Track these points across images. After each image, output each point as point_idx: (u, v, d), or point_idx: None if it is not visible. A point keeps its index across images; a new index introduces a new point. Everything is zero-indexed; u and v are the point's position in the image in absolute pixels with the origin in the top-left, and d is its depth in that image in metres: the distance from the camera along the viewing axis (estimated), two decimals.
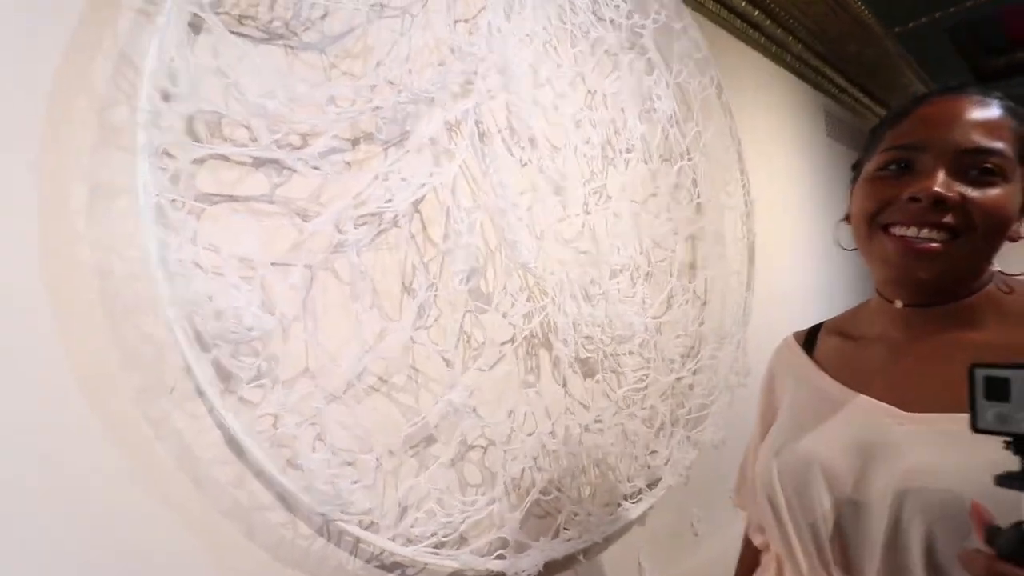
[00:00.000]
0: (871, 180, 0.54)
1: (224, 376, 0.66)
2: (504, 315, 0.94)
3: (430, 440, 0.85)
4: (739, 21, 1.87)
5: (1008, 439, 0.34)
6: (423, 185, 0.83)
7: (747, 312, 1.44)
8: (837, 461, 0.51)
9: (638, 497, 1.10)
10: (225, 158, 0.70)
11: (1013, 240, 0.51)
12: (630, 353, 1.12)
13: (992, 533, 0.34)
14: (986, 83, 2.92)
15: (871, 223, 0.53)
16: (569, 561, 0.97)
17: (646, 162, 1.20)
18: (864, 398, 0.54)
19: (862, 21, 2.11)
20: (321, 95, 0.73)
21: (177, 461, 0.63)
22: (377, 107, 0.81)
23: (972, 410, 0.36)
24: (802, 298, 1.98)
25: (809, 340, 0.66)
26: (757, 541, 0.68)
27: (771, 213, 1.78)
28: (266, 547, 0.69)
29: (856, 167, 0.60)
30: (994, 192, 0.48)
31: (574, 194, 1.07)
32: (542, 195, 1.01)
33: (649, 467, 1.12)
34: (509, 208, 0.89)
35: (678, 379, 1.20)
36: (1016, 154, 0.49)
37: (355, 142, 0.82)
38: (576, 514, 0.96)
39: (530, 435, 0.92)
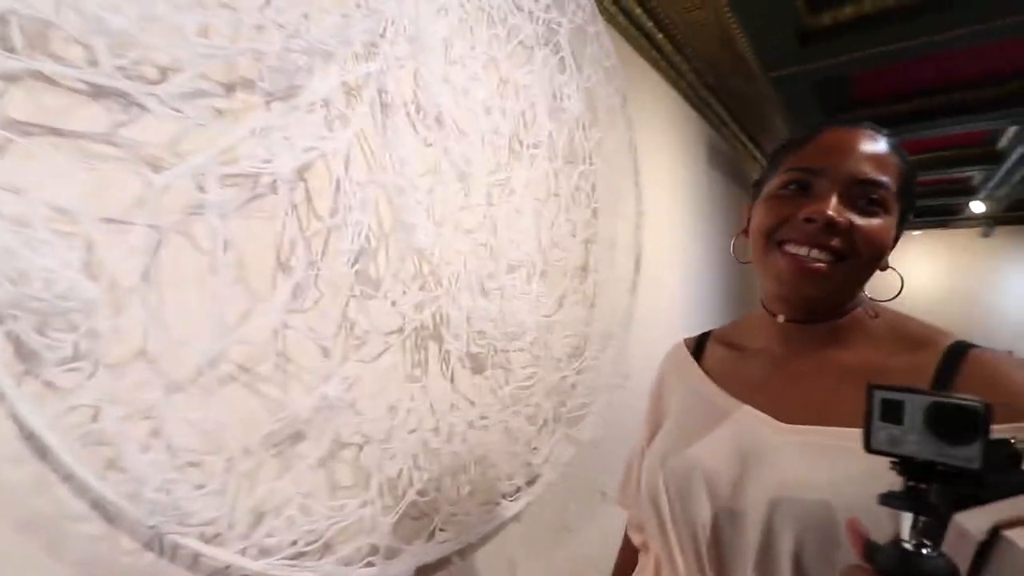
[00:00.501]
0: (772, 198, 0.57)
1: (24, 355, 0.52)
2: (394, 303, 0.87)
3: (297, 437, 0.76)
4: (644, 40, 1.96)
5: (896, 460, 0.35)
6: (311, 149, 0.73)
7: (630, 316, 1.51)
8: (718, 468, 0.53)
9: (516, 495, 1.10)
10: (51, 81, 0.55)
11: (882, 269, 0.56)
12: (520, 350, 1.11)
13: (871, 549, 0.35)
14: None
15: (768, 239, 0.56)
16: (442, 563, 0.93)
17: (551, 161, 1.19)
18: (746, 408, 0.56)
19: (745, 60, 2.33)
20: (189, 22, 0.60)
21: None
22: (262, 52, 0.69)
23: (867, 430, 0.36)
24: (680, 307, 2.14)
25: (698, 348, 0.68)
26: (636, 540, 0.69)
27: (658, 226, 1.90)
28: (76, 565, 0.56)
29: (757, 185, 0.63)
30: (877, 222, 0.52)
31: (478, 183, 1.03)
32: (445, 180, 0.96)
33: (530, 464, 1.11)
34: (409, 188, 0.82)
35: (563, 377, 1.21)
36: (897, 189, 0.53)
37: (230, 88, 0.70)
38: (454, 514, 0.92)
39: (412, 432, 0.87)
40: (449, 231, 0.97)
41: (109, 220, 0.57)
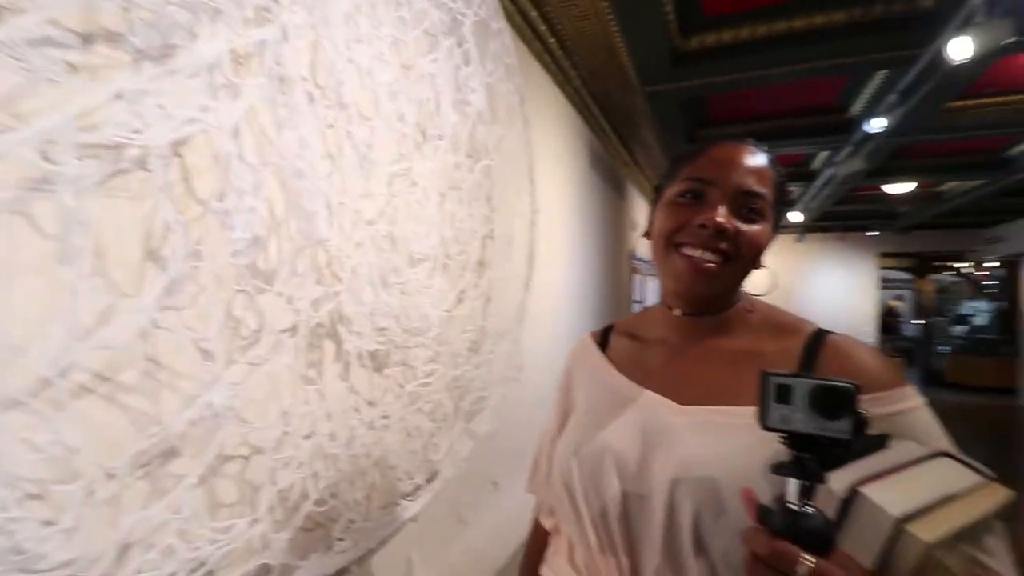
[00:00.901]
0: (671, 205, 0.62)
1: None
2: (289, 300, 0.79)
3: (170, 455, 0.66)
4: (538, 42, 2.01)
5: (785, 435, 0.40)
6: (193, 121, 0.63)
7: (524, 311, 1.56)
8: (625, 449, 0.57)
9: (416, 494, 1.07)
10: None
11: (758, 268, 0.63)
12: (421, 346, 1.08)
13: (763, 512, 0.39)
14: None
15: (668, 241, 0.61)
16: (341, 573, 0.88)
17: (454, 153, 1.17)
18: (647, 393, 0.61)
19: (626, 73, 2.50)
20: None
21: None
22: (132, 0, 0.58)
23: (762, 410, 0.40)
24: (566, 303, 2.25)
25: (603, 340, 0.72)
26: (548, 524, 0.72)
27: (549, 224, 1.97)
28: None
29: (658, 190, 0.69)
30: (757, 228, 0.59)
31: (380, 171, 0.98)
32: (345, 165, 0.89)
33: (430, 461, 1.10)
34: (309, 172, 0.75)
35: (463, 372, 1.21)
36: (773, 199, 0.60)
37: (88, 39, 0.58)
38: (353, 521, 0.87)
39: (307, 439, 0.80)
40: (349, 221, 0.90)
41: None
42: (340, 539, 0.86)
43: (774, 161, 0.62)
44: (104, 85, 0.56)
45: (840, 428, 0.37)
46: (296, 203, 0.76)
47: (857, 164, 3.62)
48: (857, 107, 3.30)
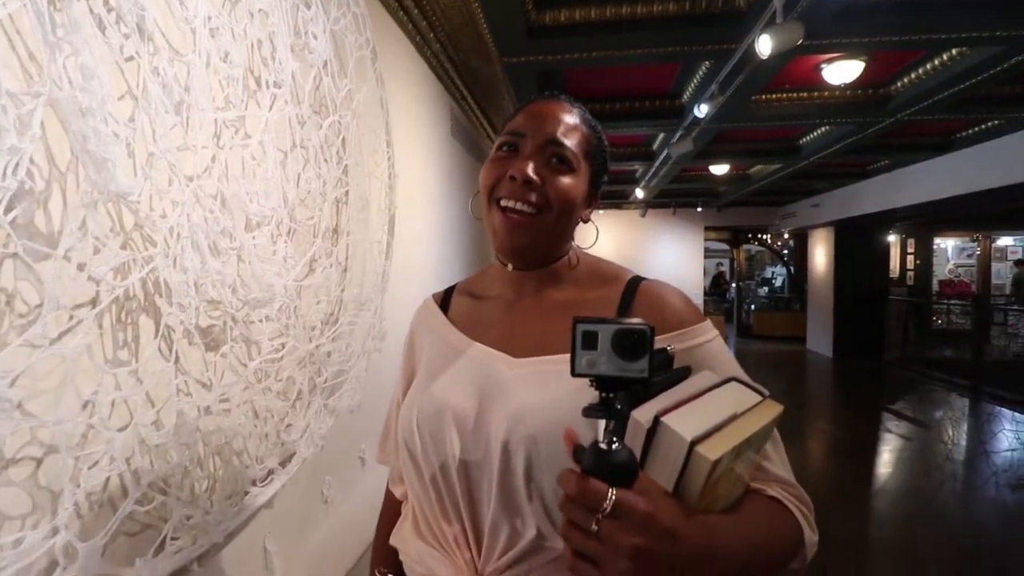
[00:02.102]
0: (491, 160, 0.63)
1: None
2: (81, 267, 0.65)
3: None
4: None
5: (592, 379, 0.41)
6: None
7: (386, 280, 1.50)
8: (463, 403, 0.57)
9: (269, 479, 0.98)
10: None
11: (584, 221, 0.66)
12: (267, 319, 0.98)
13: (577, 452, 0.41)
14: None
15: (489, 197, 0.62)
16: (179, 574, 0.77)
17: (296, 106, 1.06)
18: (483, 347, 0.62)
19: (484, 42, 2.49)
20: None
21: None
22: None
23: (572, 357, 0.41)
24: (432, 267, 2.21)
25: (445, 300, 0.72)
26: (398, 493, 0.71)
27: (409, 188, 1.91)
28: None
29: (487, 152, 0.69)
30: (566, 180, 0.60)
31: (201, 119, 0.85)
32: (153, 108, 0.75)
33: (283, 443, 1.01)
34: (98, 110, 0.62)
35: (317, 347, 1.13)
36: (583, 151, 0.62)
37: None
38: (190, 517, 0.77)
39: (121, 430, 0.68)
40: (163, 176, 0.77)
41: None
42: (175, 538, 0.75)
43: (587, 117, 0.65)
44: None
45: (639, 368, 0.39)
46: (83, 147, 0.62)
47: (687, 146, 4.08)
48: (687, 94, 3.71)
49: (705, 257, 10.03)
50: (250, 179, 0.93)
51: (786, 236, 10.68)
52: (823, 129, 4.67)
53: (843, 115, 3.95)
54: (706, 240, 9.70)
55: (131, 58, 0.72)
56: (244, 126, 0.94)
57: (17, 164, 0.55)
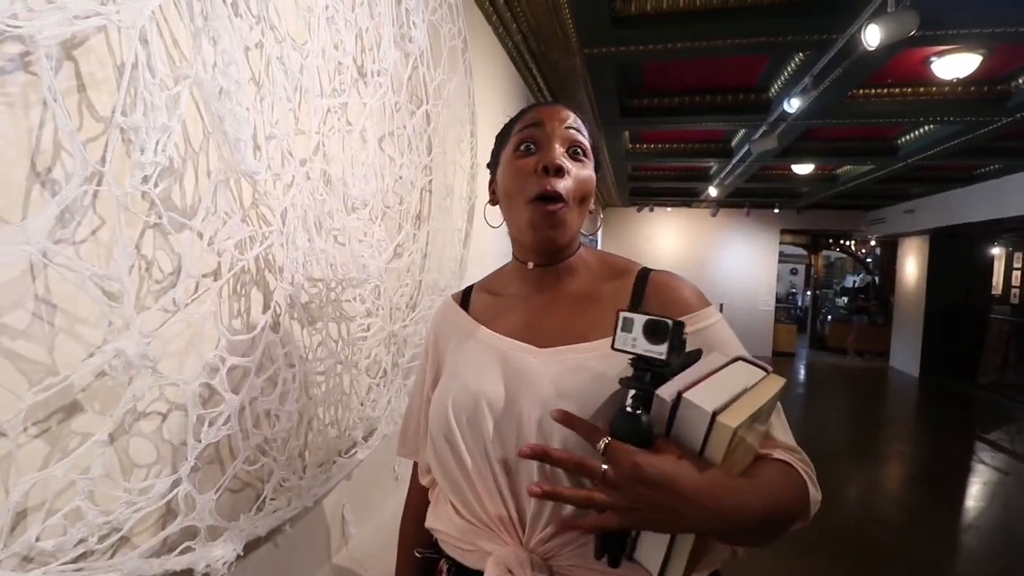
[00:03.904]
0: (511, 162, 0.67)
1: None
2: (210, 241, 0.71)
3: (72, 410, 0.57)
4: None
5: (631, 356, 0.51)
6: (91, 15, 0.53)
7: (463, 267, 1.52)
8: (495, 391, 0.62)
9: (353, 451, 1.03)
10: None
11: (591, 212, 0.69)
12: (358, 300, 1.02)
13: (611, 421, 0.50)
14: (626, 116, 3.89)
15: (516, 197, 0.65)
16: (272, 535, 0.83)
17: (395, 94, 1.09)
18: (507, 339, 0.66)
19: (566, 32, 2.46)
20: None
21: None
22: None
23: (614, 337, 0.52)
24: (505, 256, 2.23)
25: (464, 299, 0.77)
26: (425, 481, 0.75)
27: (485, 178, 1.92)
28: None
29: (492, 162, 0.74)
30: (586, 171, 0.65)
31: (313, 105, 0.89)
32: (275, 94, 0.80)
33: (368, 418, 1.05)
34: (235, 92, 0.66)
35: (403, 327, 1.17)
36: (590, 146, 0.67)
37: None
38: (286, 480, 0.82)
39: (235, 393, 0.73)
40: (278, 156, 0.81)
41: None
42: (272, 499, 0.80)
43: (585, 120, 0.69)
44: None
45: (660, 350, 0.49)
46: (219, 128, 0.67)
47: (771, 143, 3.86)
48: (775, 88, 3.50)
49: (780, 261, 9.46)
50: (352, 164, 0.96)
51: (872, 243, 9.91)
52: (926, 128, 4.27)
53: (952, 113, 3.59)
54: (781, 243, 9.16)
55: (258, 44, 0.76)
56: (347, 112, 0.98)
57: (164, 142, 0.60)
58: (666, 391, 0.49)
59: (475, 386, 0.63)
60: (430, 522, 0.68)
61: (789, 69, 3.15)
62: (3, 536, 0.47)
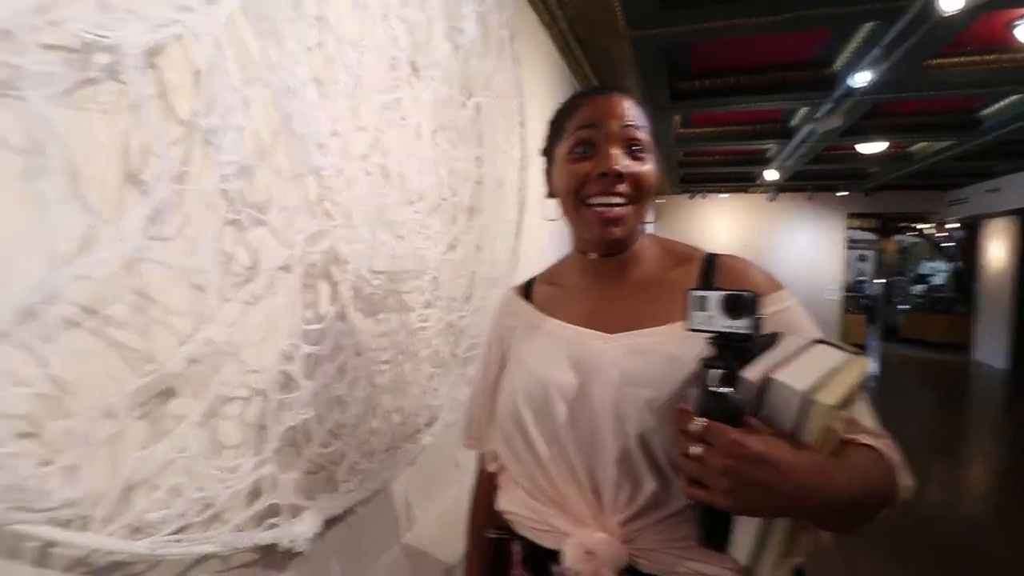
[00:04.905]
0: (567, 162, 0.66)
1: None
2: (281, 235, 0.74)
3: (168, 394, 0.62)
4: None
5: (709, 335, 0.51)
6: (171, 23, 0.56)
7: (515, 259, 1.53)
8: (564, 379, 0.63)
9: (416, 437, 1.06)
10: None
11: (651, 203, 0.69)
12: (418, 291, 1.05)
13: (696, 402, 0.50)
14: (674, 100, 3.78)
15: (575, 197, 0.65)
16: (346, 515, 0.87)
17: (448, 87, 1.11)
18: (574, 327, 0.67)
19: (614, 15, 2.41)
20: None
21: None
22: None
23: (688, 317, 0.52)
24: (553, 252, 2.22)
25: (527, 291, 0.78)
26: (493, 467, 0.76)
27: (536, 170, 1.91)
28: None
29: (547, 153, 0.74)
30: (647, 167, 0.65)
31: (370, 101, 0.91)
32: (336, 92, 0.82)
33: (430, 406, 1.08)
34: (301, 91, 0.69)
35: (460, 318, 1.19)
36: (650, 137, 0.66)
37: None
38: (357, 463, 0.86)
39: (310, 380, 0.77)
40: (340, 152, 0.84)
41: None
42: (344, 480, 0.84)
43: (640, 104, 0.68)
44: None
45: (742, 324, 0.49)
46: (288, 126, 0.70)
47: (835, 121, 3.64)
48: (840, 62, 3.29)
49: (848, 247, 8.89)
50: (409, 158, 0.99)
51: (952, 226, 9.15)
52: (1013, 99, 3.88)
53: None
54: (850, 228, 8.60)
55: (319, 44, 0.79)
56: (401, 107, 1.00)
57: (241, 141, 0.64)
58: (753, 372, 0.48)
59: (543, 374, 0.64)
60: (502, 504, 0.69)
61: (856, 40, 2.95)
62: (115, 506, 0.52)
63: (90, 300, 0.54)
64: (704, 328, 0.51)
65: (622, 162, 0.63)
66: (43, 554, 0.50)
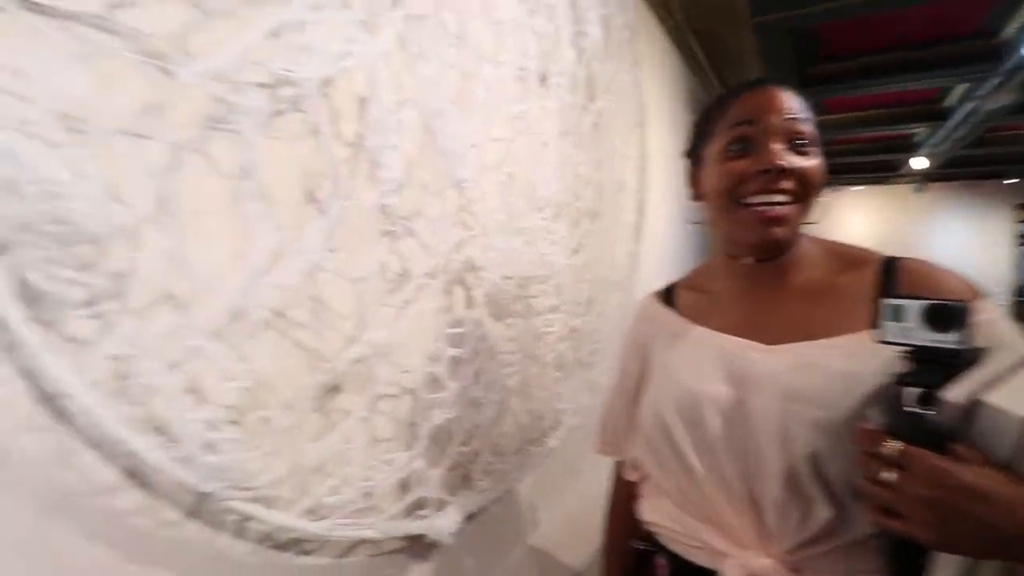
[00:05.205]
0: (719, 162, 0.62)
1: (31, 298, 0.41)
2: (428, 244, 0.79)
3: (335, 390, 0.68)
4: None
5: (906, 348, 0.46)
6: (344, 56, 0.62)
7: (636, 261, 1.49)
8: (718, 391, 0.59)
9: (543, 440, 1.07)
10: None
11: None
12: (543, 295, 1.06)
13: (879, 414, 0.46)
14: (804, 87, 3.46)
15: (729, 198, 0.61)
16: (479, 513, 0.90)
17: (572, 94, 1.11)
18: (727, 336, 0.63)
19: (735, 3, 2.26)
20: None
21: None
22: None
23: (880, 329, 0.47)
24: (673, 254, 2.14)
25: (667, 298, 0.74)
26: (634, 476, 0.74)
27: (654, 169, 1.85)
28: (114, 544, 0.48)
29: (692, 155, 0.69)
30: (813, 162, 0.59)
31: (502, 111, 0.94)
32: (475, 106, 0.86)
33: (555, 409, 1.09)
34: (448, 110, 0.73)
35: (581, 323, 1.18)
36: (816, 130, 0.60)
37: None
38: (490, 463, 0.89)
39: (453, 381, 0.81)
40: (478, 163, 0.88)
41: (120, 130, 0.46)
42: (479, 480, 0.87)
43: (801, 94, 0.62)
44: (261, 18, 0.56)
45: (950, 339, 0.43)
46: (433, 143, 0.74)
47: (1005, 98, 3.10)
48: (1010, 30, 2.79)
49: (1021, 244, 7.51)
50: (536, 165, 1.00)
51: None
52: None
53: None
54: (1018, 222, 7.27)
55: (459, 63, 0.83)
56: (530, 116, 1.02)
57: (397, 160, 0.69)
58: (958, 393, 0.43)
59: (695, 385, 0.61)
60: (646, 515, 0.68)
61: None
62: (302, 491, 0.58)
63: (279, 305, 0.61)
64: (900, 341, 0.45)
65: (786, 157, 0.58)
66: (240, 528, 0.58)
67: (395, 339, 0.75)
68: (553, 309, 1.09)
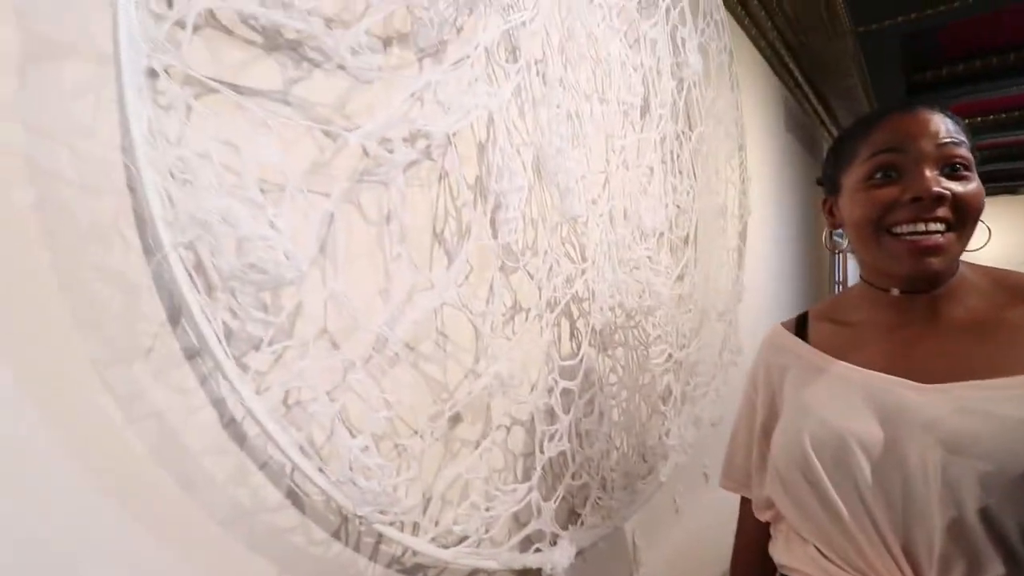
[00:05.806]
0: (863, 189, 0.58)
1: (226, 335, 0.48)
2: (542, 278, 0.81)
3: (455, 420, 0.71)
4: None
5: None
6: (473, 109, 0.67)
7: (740, 288, 1.43)
8: (867, 431, 0.55)
9: (648, 478, 1.04)
10: (227, 31, 0.50)
11: None
12: (649, 326, 1.04)
13: None
14: (914, 94, 3.18)
15: (876, 227, 0.57)
16: (586, 549, 0.89)
17: (674, 123, 1.10)
18: (876, 374, 0.58)
19: (836, 14, 2.15)
20: None
21: (155, 453, 0.45)
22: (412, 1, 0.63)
23: None
24: (777, 282, 2.03)
25: (800, 328, 0.70)
26: (766, 516, 0.70)
27: (755, 193, 1.79)
28: (273, 559, 0.53)
29: (828, 181, 0.66)
30: (972, 186, 0.55)
31: (611, 145, 0.96)
32: (576, 143, 0.88)
33: (662, 445, 1.06)
34: (566, 149, 0.75)
35: (687, 355, 1.15)
36: (971, 151, 0.56)
37: (387, 42, 0.64)
38: (599, 499, 0.88)
39: (565, 413, 0.81)
40: (587, 197, 0.90)
41: (308, 191, 0.53)
42: (589, 515, 0.86)
43: (957, 121, 0.58)
44: (401, 84, 0.62)
45: None
46: (552, 180, 0.77)
47: None
48: None
49: None
50: (640, 196, 1.00)
51: None
52: None
53: None
54: None
55: (564, 104, 0.86)
56: (635, 148, 1.03)
57: (519, 199, 0.72)
58: None
59: (839, 423, 0.57)
60: (782, 559, 0.64)
61: None
62: (437, 515, 0.61)
63: (411, 338, 0.66)
64: None
65: (941, 183, 0.54)
66: (375, 550, 0.61)
67: (511, 371, 0.78)
68: (658, 340, 1.07)
